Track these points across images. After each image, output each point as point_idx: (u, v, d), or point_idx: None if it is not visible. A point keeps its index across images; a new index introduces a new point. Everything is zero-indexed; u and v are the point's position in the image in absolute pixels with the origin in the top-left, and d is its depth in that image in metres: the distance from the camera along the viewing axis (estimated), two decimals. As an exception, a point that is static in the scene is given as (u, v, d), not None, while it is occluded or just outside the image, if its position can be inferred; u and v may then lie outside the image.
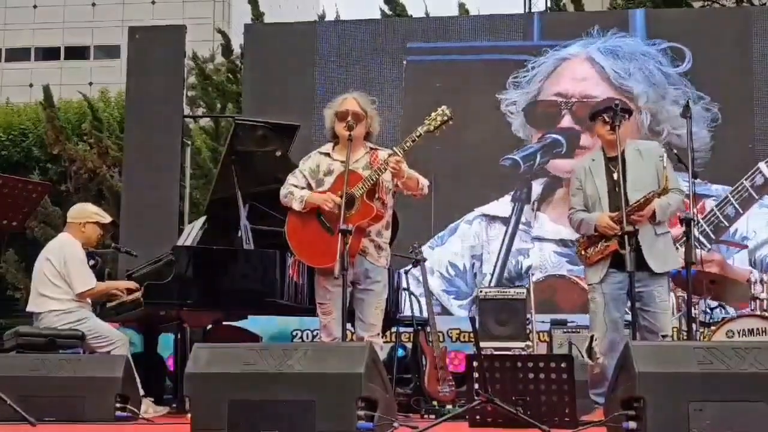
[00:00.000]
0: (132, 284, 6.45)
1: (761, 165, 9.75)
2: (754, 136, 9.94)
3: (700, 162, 9.43)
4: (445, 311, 9.91)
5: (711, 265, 9.04)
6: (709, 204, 9.72)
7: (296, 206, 5.26)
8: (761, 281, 7.20)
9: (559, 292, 9.64)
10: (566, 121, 10.13)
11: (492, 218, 10.20)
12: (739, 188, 9.71)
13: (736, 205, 9.68)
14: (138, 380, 5.71)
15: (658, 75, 10.11)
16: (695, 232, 6.26)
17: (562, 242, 9.78)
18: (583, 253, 5.73)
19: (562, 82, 10.29)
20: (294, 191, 5.30)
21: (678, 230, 5.91)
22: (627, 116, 5.73)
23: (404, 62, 10.62)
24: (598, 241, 5.62)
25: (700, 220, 9.51)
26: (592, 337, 5.77)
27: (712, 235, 9.64)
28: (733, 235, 9.75)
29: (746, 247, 9.68)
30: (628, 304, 5.63)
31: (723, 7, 13.94)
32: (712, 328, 7.10)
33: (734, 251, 9.70)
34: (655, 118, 9.94)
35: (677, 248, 5.93)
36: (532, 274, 9.66)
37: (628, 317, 5.80)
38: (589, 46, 10.29)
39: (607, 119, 5.62)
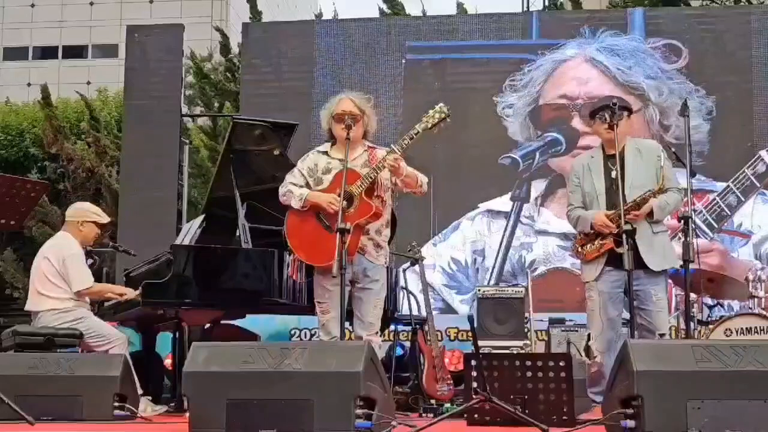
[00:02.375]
0: (129, 292, 6.41)
1: (762, 153, 9.79)
2: (754, 134, 9.96)
3: (699, 154, 9.47)
4: (447, 306, 9.92)
5: (712, 254, 9.04)
6: (713, 197, 9.74)
7: (295, 204, 5.26)
8: (759, 279, 7.20)
9: (562, 286, 9.63)
10: (576, 124, 10.12)
11: (495, 213, 10.22)
12: (741, 177, 9.74)
13: (738, 194, 9.70)
14: (136, 379, 5.71)
15: (657, 70, 10.12)
16: (697, 221, 6.27)
17: (564, 236, 9.79)
18: (579, 249, 5.73)
19: (566, 84, 10.28)
20: (293, 189, 5.30)
21: (676, 222, 5.92)
22: (627, 114, 5.72)
23: (403, 61, 10.63)
24: (594, 238, 5.61)
25: (702, 210, 9.53)
26: (589, 335, 5.78)
27: (714, 224, 9.66)
28: (738, 228, 9.77)
29: (749, 236, 9.69)
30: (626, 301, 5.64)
31: (722, 6, 13.95)
32: (711, 326, 7.10)
33: (739, 244, 9.71)
34: (664, 113, 9.94)
35: (679, 237, 5.93)
36: (534, 270, 9.67)
37: (626, 315, 5.81)
38: (586, 47, 10.29)
39: (607, 116, 5.60)
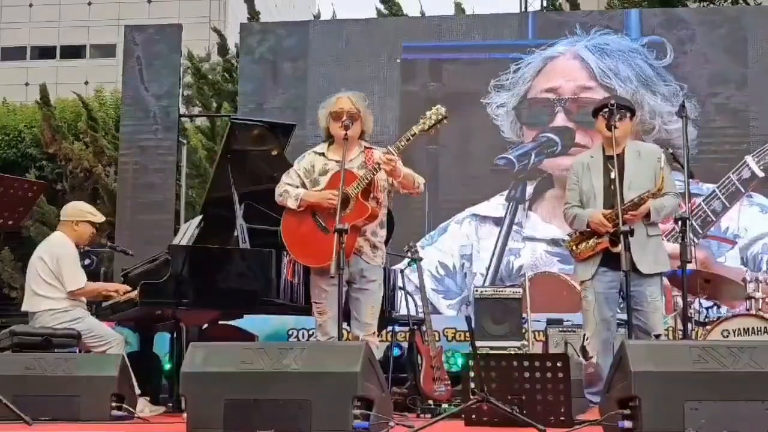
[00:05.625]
0: (125, 287, 6.42)
1: (748, 158, 9.75)
2: (749, 135, 9.93)
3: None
4: (434, 311, 9.86)
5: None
6: (698, 201, 9.71)
7: (291, 204, 5.25)
8: (756, 280, 7.19)
9: (549, 290, 9.60)
10: (560, 119, 10.12)
11: (483, 218, 10.17)
12: (726, 182, 9.71)
13: (723, 199, 9.67)
14: (134, 379, 5.71)
15: (648, 70, 10.10)
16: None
17: (553, 242, 9.76)
18: (574, 248, 5.73)
19: (553, 80, 10.28)
20: (289, 190, 5.30)
21: (668, 225, 5.91)
22: (628, 114, 5.72)
23: (398, 61, 10.61)
24: (589, 237, 5.62)
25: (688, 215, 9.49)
26: (584, 336, 5.78)
27: (699, 230, 9.62)
28: (725, 232, 9.73)
29: (735, 243, 9.66)
30: (621, 302, 5.65)
31: (718, 7, 13.95)
32: (708, 327, 7.10)
33: (726, 249, 9.68)
34: (643, 116, 9.90)
35: (675, 236, 5.92)
36: (523, 274, 9.64)
37: (622, 316, 5.81)
38: (576, 44, 10.29)
39: (607, 116, 5.61)
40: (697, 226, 9.57)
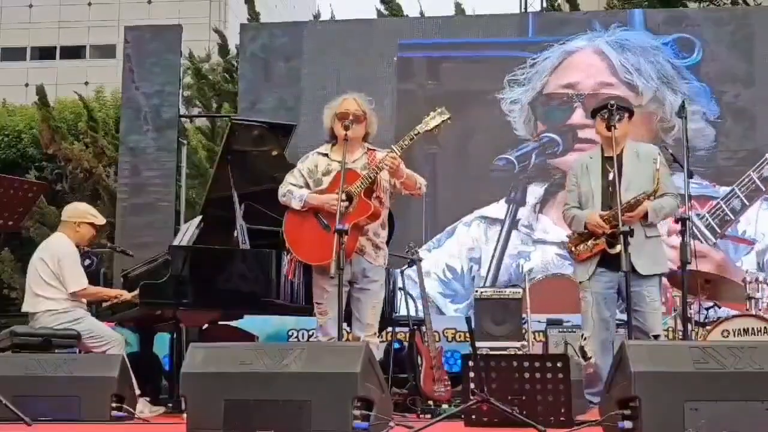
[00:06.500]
0: (124, 294, 6.40)
1: None
2: (762, 138, 9.83)
3: (708, 158, 9.39)
4: (440, 314, 9.77)
5: (705, 261, 8.82)
6: (717, 201, 9.61)
7: (295, 205, 5.27)
8: (756, 280, 7.18)
9: (559, 291, 9.51)
10: (578, 115, 9.91)
11: (492, 220, 10.05)
12: (746, 180, 9.58)
13: (742, 198, 9.54)
14: (134, 380, 5.71)
15: (669, 69, 9.99)
16: (699, 224, 6.20)
17: (564, 245, 9.64)
18: (573, 249, 5.75)
19: (572, 75, 10.12)
20: (293, 190, 5.31)
21: (677, 226, 5.88)
22: (627, 115, 5.72)
23: (394, 59, 10.52)
24: (588, 238, 5.63)
25: (705, 214, 9.40)
26: (582, 336, 5.79)
27: (717, 229, 9.52)
28: (742, 236, 9.60)
29: (753, 243, 9.57)
30: (620, 303, 5.65)
31: (721, 6, 13.89)
32: (708, 327, 7.10)
33: (743, 252, 9.57)
34: (664, 114, 9.81)
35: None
36: (532, 278, 9.57)
37: (622, 316, 5.80)
38: (596, 39, 10.17)
39: (606, 117, 5.61)
40: (715, 225, 9.48)
